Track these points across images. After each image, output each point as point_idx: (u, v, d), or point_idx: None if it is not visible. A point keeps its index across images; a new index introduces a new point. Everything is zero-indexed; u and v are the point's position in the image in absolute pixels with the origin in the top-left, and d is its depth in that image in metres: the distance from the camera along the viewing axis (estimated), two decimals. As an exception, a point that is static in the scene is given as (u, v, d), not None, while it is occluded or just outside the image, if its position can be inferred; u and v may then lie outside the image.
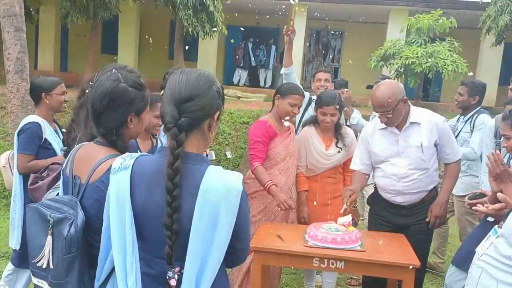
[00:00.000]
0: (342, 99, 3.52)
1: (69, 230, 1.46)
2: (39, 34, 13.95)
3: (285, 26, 3.76)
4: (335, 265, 2.43)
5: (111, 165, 1.51)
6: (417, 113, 2.92)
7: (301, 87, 3.36)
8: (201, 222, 1.32)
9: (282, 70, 4.15)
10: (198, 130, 1.42)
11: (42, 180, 2.38)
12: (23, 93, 5.32)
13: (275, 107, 3.30)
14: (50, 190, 2.12)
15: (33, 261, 1.56)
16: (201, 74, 1.45)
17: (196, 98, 1.38)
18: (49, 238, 1.51)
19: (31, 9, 11.28)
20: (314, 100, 4.35)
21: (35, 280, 1.59)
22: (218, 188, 1.33)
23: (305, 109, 4.45)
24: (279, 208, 3.04)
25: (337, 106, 3.28)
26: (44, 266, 1.52)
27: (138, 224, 1.41)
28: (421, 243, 2.89)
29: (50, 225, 1.51)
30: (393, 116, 2.79)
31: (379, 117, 2.85)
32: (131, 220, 1.39)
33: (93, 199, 1.55)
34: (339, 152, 3.33)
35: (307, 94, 4.51)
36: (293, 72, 4.17)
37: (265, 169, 3.19)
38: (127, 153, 1.49)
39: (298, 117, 4.37)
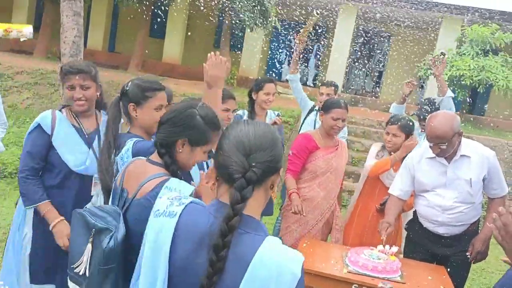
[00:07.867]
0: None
1: (108, 242, 1.49)
2: (91, 14, 14.30)
3: (299, 35, 4.04)
4: (373, 293, 2.44)
5: (157, 184, 1.58)
6: (468, 146, 2.88)
7: (343, 101, 3.46)
8: None
9: (287, 76, 4.40)
10: (262, 187, 1.23)
11: None
12: (77, 77, 5.50)
13: (321, 123, 3.45)
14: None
15: (71, 266, 1.59)
16: (268, 126, 1.31)
17: (267, 148, 1.22)
18: (89, 246, 1.54)
19: (86, -11, 11.56)
20: (315, 109, 4.53)
21: (71, 284, 1.64)
22: (271, 268, 1.11)
23: (307, 115, 4.59)
24: (292, 212, 3.11)
25: (400, 128, 3.34)
26: (81, 273, 1.55)
27: (172, 285, 1.21)
28: (459, 275, 2.88)
29: (92, 233, 1.54)
30: (447, 148, 2.76)
31: (430, 147, 2.82)
32: (164, 278, 1.20)
33: (136, 215, 1.59)
34: None
35: (311, 103, 4.60)
36: (297, 81, 4.42)
37: (304, 181, 3.34)
38: (176, 195, 1.32)
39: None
